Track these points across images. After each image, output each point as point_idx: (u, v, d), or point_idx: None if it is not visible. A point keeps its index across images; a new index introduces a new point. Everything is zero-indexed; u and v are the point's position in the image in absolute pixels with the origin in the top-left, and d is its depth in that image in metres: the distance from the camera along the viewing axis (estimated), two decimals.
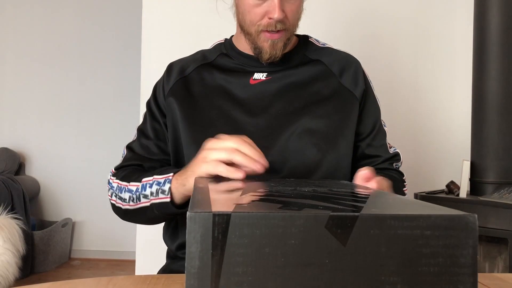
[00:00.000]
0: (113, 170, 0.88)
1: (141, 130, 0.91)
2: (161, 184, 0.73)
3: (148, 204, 0.75)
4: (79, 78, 3.26)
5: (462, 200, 1.50)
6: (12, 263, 2.02)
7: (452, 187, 1.57)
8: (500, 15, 1.55)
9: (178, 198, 0.72)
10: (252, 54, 0.86)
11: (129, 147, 0.90)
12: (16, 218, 2.23)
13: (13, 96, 3.28)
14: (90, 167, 3.21)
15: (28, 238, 2.54)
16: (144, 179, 0.77)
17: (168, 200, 0.72)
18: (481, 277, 0.62)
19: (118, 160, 0.90)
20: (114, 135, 3.19)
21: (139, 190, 0.76)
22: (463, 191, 1.53)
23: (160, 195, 0.73)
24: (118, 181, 0.82)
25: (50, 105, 3.27)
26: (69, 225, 3.09)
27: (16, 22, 3.28)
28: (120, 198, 0.81)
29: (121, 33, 3.19)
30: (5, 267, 1.98)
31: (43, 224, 3.01)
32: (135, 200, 0.78)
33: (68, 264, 3.04)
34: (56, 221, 3.01)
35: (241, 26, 0.85)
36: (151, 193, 0.74)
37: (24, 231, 2.23)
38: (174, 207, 0.72)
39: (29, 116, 3.26)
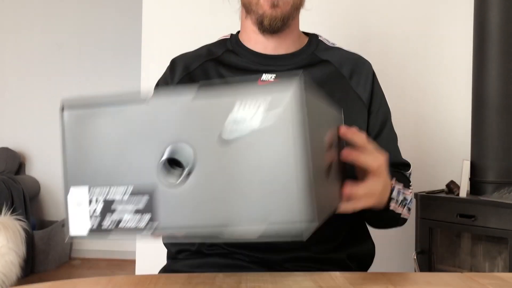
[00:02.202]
0: None
1: None
2: None
3: None
4: (79, 78, 3.27)
5: (462, 200, 1.50)
6: (16, 263, 2.03)
7: (452, 187, 1.57)
8: (500, 15, 1.55)
9: None
10: (260, 52, 0.84)
11: None
12: (19, 219, 2.24)
13: (13, 96, 3.28)
14: None
15: (29, 239, 2.54)
16: None
17: None
18: (481, 277, 0.62)
19: None
20: None
21: None
22: (463, 191, 1.53)
23: None
24: None
25: (50, 105, 3.26)
26: None
27: (17, 22, 3.28)
28: None
29: (121, 33, 3.19)
30: (8, 267, 1.98)
31: (43, 224, 3.01)
32: None
33: (68, 263, 3.04)
34: (56, 221, 3.01)
35: (244, 4, 0.83)
36: None
37: (26, 232, 2.24)
38: None
39: (29, 116, 3.26)
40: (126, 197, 0.41)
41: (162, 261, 0.89)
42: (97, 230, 0.42)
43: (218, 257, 0.74)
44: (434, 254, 1.57)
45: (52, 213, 3.23)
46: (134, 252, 1.75)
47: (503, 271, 1.43)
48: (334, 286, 0.57)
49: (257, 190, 0.39)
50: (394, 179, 0.70)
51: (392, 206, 0.69)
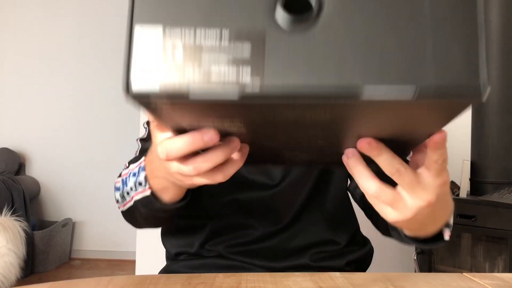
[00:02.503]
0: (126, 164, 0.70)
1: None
2: (136, 175, 0.57)
3: (132, 203, 0.60)
4: (79, 78, 3.26)
5: (462, 200, 1.50)
6: (15, 264, 2.03)
7: (452, 187, 1.57)
8: (500, 15, 1.55)
9: (159, 187, 0.54)
10: None
11: (142, 138, 0.74)
12: (19, 220, 2.24)
13: (14, 96, 3.28)
14: (91, 167, 3.21)
15: (29, 239, 2.54)
16: (124, 172, 0.62)
17: (148, 193, 0.55)
18: (481, 277, 0.62)
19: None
20: (115, 135, 3.19)
21: (122, 187, 0.62)
22: (463, 191, 1.53)
23: (139, 188, 0.57)
24: (116, 179, 0.67)
25: (51, 105, 3.26)
26: (69, 225, 3.09)
27: (17, 22, 3.28)
28: (116, 200, 0.66)
29: (121, 32, 3.19)
30: (8, 268, 1.98)
31: (43, 224, 3.01)
32: (122, 200, 0.63)
33: (68, 264, 3.03)
34: (57, 221, 3.00)
35: None
36: (131, 188, 0.58)
37: (25, 232, 2.24)
38: (158, 200, 0.55)
39: (29, 116, 3.26)
40: (218, 43, 0.30)
41: (162, 261, 0.89)
42: (173, 86, 0.30)
43: (217, 258, 0.74)
44: (434, 254, 1.56)
45: (52, 214, 3.23)
46: (134, 253, 1.75)
47: (503, 271, 1.43)
48: (334, 286, 0.57)
49: (409, 35, 0.28)
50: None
51: (447, 235, 0.52)
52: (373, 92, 0.28)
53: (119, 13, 3.21)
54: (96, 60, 3.25)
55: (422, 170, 0.39)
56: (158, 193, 0.54)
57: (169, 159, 0.38)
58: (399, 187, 0.39)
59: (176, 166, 0.40)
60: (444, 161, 0.40)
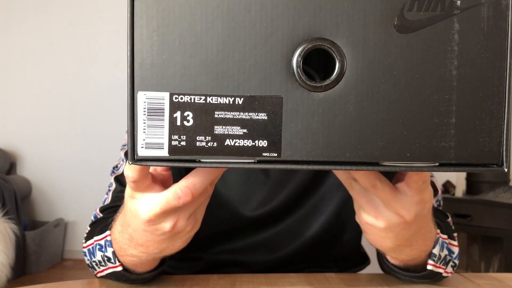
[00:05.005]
0: (97, 212, 0.65)
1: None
2: (103, 249, 0.54)
3: (104, 273, 0.56)
4: (72, 76, 3.24)
5: (458, 199, 1.50)
6: (6, 264, 2.02)
7: (448, 186, 1.57)
8: None
9: (131, 264, 0.52)
10: None
11: (116, 178, 0.68)
12: (8, 221, 2.22)
13: (4, 94, 3.25)
14: (83, 166, 3.18)
15: (21, 239, 2.51)
16: (87, 242, 0.59)
17: (120, 269, 0.53)
18: (477, 277, 0.61)
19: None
20: (108, 134, 3.16)
21: (89, 256, 0.58)
22: (459, 190, 1.53)
23: (108, 264, 0.54)
24: (83, 242, 0.62)
25: (42, 103, 3.24)
26: (61, 225, 3.06)
27: (8, 19, 3.24)
28: (86, 264, 0.62)
29: (116, 29, 3.17)
30: None
31: (35, 224, 2.98)
32: (93, 270, 0.59)
33: (60, 265, 3.01)
34: (48, 221, 2.98)
35: None
36: (99, 262, 0.55)
37: (17, 233, 2.22)
38: (134, 273, 0.54)
39: (20, 115, 3.23)
40: (230, 113, 0.28)
41: None
42: (182, 151, 0.28)
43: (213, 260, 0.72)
44: None
45: (44, 214, 3.20)
46: None
47: (499, 270, 1.43)
48: (330, 287, 0.56)
49: (432, 108, 0.27)
50: (438, 230, 0.52)
51: (431, 265, 0.52)
52: (391, 167, 0.28)
53: (114, 10, 3.19)
54: (89, 58, 3.23)
55: (401, 185, 0.40)
56: (131, 268, 0.53)
57: (194, 197, 0.37)
58: (376, 199, 0.40)
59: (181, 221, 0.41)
60: (425, 182, 0.39)
